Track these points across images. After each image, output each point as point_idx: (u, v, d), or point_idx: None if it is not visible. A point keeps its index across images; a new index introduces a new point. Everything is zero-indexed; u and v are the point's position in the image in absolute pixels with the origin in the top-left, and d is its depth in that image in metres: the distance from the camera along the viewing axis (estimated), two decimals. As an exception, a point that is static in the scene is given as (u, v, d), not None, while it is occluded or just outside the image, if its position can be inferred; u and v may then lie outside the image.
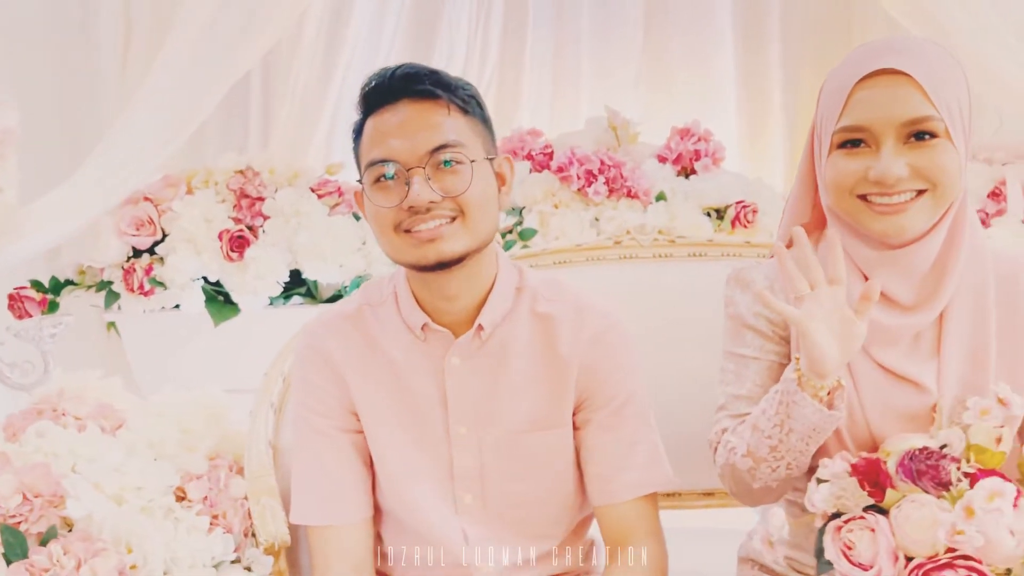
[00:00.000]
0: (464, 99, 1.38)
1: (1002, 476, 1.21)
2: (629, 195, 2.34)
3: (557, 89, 2.90)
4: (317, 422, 1.47)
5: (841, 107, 1.35)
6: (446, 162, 1.34)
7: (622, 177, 2.35)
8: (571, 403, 1.46)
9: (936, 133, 1.32)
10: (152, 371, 2.44)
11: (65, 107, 2.64)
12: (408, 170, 1.33)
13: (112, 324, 2.44)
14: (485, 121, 1.42)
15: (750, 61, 2.79)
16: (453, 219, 1.35)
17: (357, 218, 2.43)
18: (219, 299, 2.41)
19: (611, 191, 2.35)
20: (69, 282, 2.37)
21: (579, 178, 2.34)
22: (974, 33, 2.20)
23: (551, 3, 2.88)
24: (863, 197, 1.35)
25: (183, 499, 1.52)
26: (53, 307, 2.31)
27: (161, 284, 2.30)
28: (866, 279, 1.41)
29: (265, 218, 2.46)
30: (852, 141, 1.35)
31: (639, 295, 1.99)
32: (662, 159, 2.48)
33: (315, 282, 2.45)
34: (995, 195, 2.26)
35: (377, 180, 1.36)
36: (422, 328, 1.44)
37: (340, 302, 1.56)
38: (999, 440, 1.23)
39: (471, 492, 1.47)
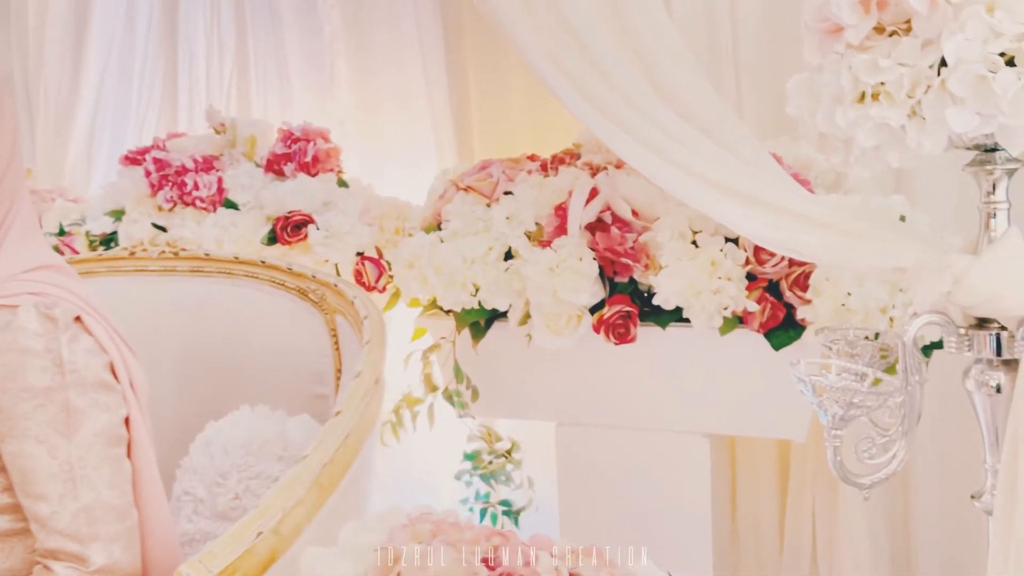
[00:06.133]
0: None
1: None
2: (193, 204, 2.10)
3: (281, 95, 2.71)
4: None
5: None
6: None
7: (195, 186, 2.11)
8: None
9: None
10: None
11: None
12: None
13: None
14: None
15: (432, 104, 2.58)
16: None
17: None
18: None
19: (181, 198, 2.12)
20: None
21: (153, 185, 2.15)
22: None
23: (267, 16, 2.74)
24: None
25: None
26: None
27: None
28: None
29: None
30: None
31: (144, 308, 1.91)
32: (261, 163, 2.21)
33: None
34: (560, 210, 1.75)
35: None
36: None
37: None
38: None
39: None
